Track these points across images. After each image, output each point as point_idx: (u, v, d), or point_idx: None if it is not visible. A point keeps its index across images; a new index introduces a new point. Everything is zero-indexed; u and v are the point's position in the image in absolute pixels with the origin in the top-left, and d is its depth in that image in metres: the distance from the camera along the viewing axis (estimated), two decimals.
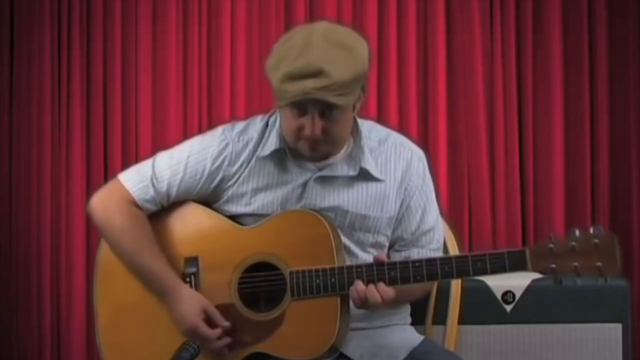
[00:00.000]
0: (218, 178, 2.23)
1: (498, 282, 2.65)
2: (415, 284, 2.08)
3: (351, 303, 2.10)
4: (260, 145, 2.22)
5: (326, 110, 2.08)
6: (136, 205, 2.24)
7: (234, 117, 3.38)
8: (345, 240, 2.18)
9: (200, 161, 2.23)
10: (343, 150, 2.22)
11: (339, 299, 2.09)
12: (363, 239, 2.22)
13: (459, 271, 2.05)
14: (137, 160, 2.82)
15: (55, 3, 3.59)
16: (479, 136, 3.60)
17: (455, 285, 2.49)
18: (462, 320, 2.53)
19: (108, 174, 3.51)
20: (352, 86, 2.07)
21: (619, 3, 3.59)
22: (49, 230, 3.59)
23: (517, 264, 2.01)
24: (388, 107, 3.60)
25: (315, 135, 2.11)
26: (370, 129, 2.26)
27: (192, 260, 2.20)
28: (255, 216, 2.20)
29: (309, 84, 2.02)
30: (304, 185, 2.20)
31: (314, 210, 2.16)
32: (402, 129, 2.82)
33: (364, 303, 2.07)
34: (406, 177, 2.24)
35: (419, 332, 2.34)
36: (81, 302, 3.55)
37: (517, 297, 2.66)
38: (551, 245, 1.98)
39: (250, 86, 3.61)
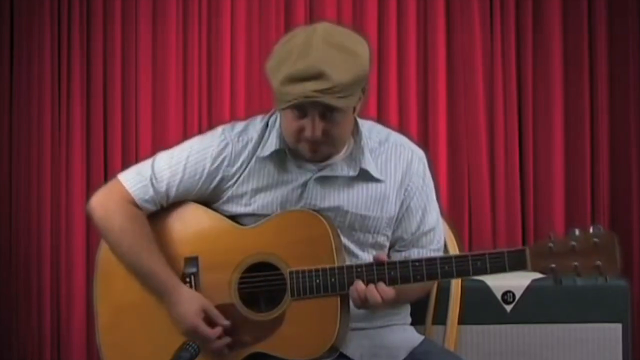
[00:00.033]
0: (217, 178, 2.23)
1: (498, 282, 2.65)
2: (415, 284, 2.08)
3: (351, 303, 2.10)
4: (260, 146, 2.22)
5: (327, 112, 2.08)
6: (135, 205, 2.24)
7: (234, 117, 3.39)
8: (345, 240, 2.18)
9: (200, 161, 2.23)
10: (343, 151, 2.22)
11: (339, 299, 2.09)
12: (363, 239, 2.22)
13: (459, 271, 2.04)
14: (137, 160, 2.82)
15: (55, 3, 3.59)
16: (479, 136, 3.60)
17: (455, 285, 2.48)
18: (462, 320, 2.53)
19: (108, 174, 3.51)
20: (352, 88, 2.07)
21: (619, 3, 3.59)
22: (49, 230, 3.59)
23: (517, 264, 2.01)
24: (388, 107, 3.59)
25: (316, 137, 2.11)
26: (370, 130, 2.26)
27: (192, 260, 2.20)
28: (255, 216, 2.20)
29: (310, 86, 2.02)
30: (304, 185, 2.19)
31: (314, 211, 2.16)
32: (402, 129, 2.82)
33: (364, 303, 2.06)
34: (406, 177, 2.24)
35: (419, 332, 2.34)
36: (81, 302, 3.55)
37: (517, 297, 2.66)
38: (551, 245, 1.97)
39: (250, 86, 3.61)
